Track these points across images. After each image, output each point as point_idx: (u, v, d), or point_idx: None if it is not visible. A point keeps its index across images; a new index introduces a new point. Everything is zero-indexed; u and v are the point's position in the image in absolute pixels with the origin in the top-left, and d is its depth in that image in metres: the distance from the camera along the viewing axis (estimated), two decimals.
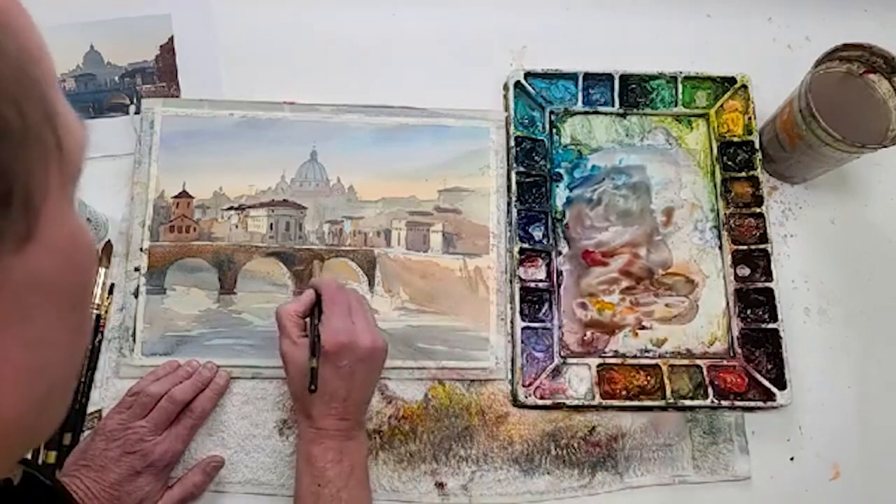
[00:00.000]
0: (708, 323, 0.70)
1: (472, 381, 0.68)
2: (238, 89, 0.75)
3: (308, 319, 0.60)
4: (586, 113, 0.76)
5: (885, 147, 0.65)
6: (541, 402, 0.66)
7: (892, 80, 0.68)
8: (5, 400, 0.23)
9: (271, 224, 0.72)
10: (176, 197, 0.71)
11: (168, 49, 0.76)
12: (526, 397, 0.66)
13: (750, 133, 0.75)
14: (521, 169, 0.73)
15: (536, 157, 0.74)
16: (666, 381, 0.67)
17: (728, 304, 0.71)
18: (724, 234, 0.72)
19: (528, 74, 0.76)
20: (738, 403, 0.67)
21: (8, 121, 0.20)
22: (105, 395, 0.65)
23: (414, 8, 0.80)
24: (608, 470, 0.66)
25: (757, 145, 0.75)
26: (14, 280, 0.22)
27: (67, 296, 0.25)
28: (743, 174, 0.74)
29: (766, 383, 0.67)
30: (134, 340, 0.67)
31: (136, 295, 0.68)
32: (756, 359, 0.69)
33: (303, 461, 0.57)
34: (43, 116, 0.23)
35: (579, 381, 0.67)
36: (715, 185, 0.74)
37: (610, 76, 0.77)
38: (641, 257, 0.72)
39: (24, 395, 0.24)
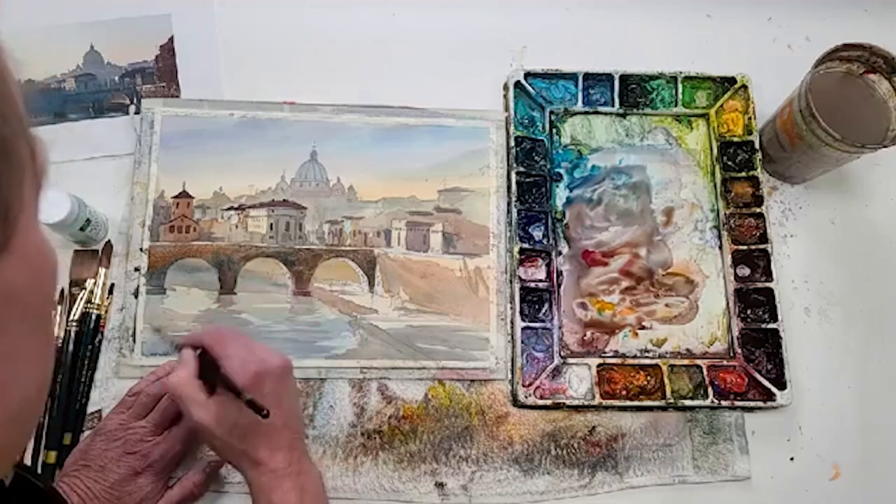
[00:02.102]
0: (708, 323, 0.70)
1: (472, 381, 0.68)
2: (238, 89, 0.75)
3: (205, 379, 0.54)
4: (586, 113, 0.76)
5: (885, 147, 0.65)
6: (541, 402, 0.66)
7: (892, 80, 0.68)
8: None
9: (271, 224, 0.72)
10: (176, 197, 0.71)
11: (168, 49, 0.76)
12: (526, 397, 0.66)
13: (750, 133, 0.75)
14: (521, 169, 0.73)
15: (536, 157, 0.74)
16: (666, 381, 0.67)
17: (728, 304, 0.71)
18: (724, 234, 0.72)
19: (528, 74, 0.76)
20: (738, 403, 0.67)
21: None
22: (105, 395, 0.65)
23: (414, 8, 0.80)
24: (608, 470, 0.66)
25: (757, 145, 0.75)
26: None
27: (37, 307, 0.25)
28: (743, 174, 0.74)
29: (766, 383, 0.67)
30: (134, 340, 0.67)
31: (136, 295, 0.68)
32: (756, 359, 0.69)
33: None
34: (20, 128, 0.23)
35: (579, 381, 0.67)
36: (715, 185, 0.74)
37: (610, 76, 0.77)
38: (641, 257, 0.72)
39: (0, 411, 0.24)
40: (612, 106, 0.76)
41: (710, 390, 0.67)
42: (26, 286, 0.24)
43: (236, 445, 0.52)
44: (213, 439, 0.53)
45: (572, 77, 0.76)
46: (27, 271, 0.24)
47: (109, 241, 0.70)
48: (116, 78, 0.75)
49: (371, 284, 0.71)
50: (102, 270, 0.68)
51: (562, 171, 0.74)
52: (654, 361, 0.68)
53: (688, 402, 0.67)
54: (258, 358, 0.53)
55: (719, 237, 0.73)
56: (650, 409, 0.67)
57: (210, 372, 0.53)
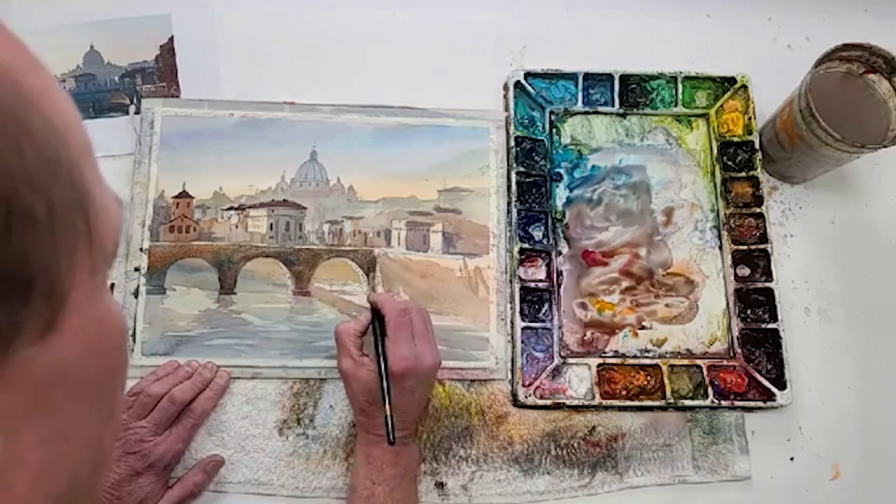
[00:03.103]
0: (708, 323, 0.70)
1: (472, 381, 0.68)
2: (238, 89, 0.75)
3: (367, 338, 0.61)
4: (586, 113, 0.76)
5: (885, 147, 0.65)
6: (541, 402, 0.66)
7: (892, 80, 0.68)
8: (19, 501, 0.21)
9: (271, 224, 0.72)
10: (176, 197, 0.71)
11: (168, 49, 0.76)
12: (526, 397, 0.66)
13: (750, 133, 0.75)
14: (521, 169, 0.73)
15: (536, 157, 0.74)
16: (666, 381, 0.67)
17: (728, 304, 0.71)
18: (724, 234, 0.72)
19: (528, 74, 0.76)
20: (738, 403, 0.67)
21: (32, 209, 0.19)
22: None
23: (414, 8, 0.80)
24: (608, 470, 0.66)
25: (757, 145, 0.75)
26: (34, 372, 0.20)
27: (95, 384, 0.24)
28: (743, 174, 0.74)
29: (766, 383, 0.67)
30: (134, 340, 0.67)
31: (136, 295, 0.68)
32: (756, 359, 0.69)
33: (361, 459, 0.60)
34: (73, 201, 0.21)
35: (579, 381, 0.67)
36: (715, 185, 0.74)
37: (610, 76, 0.77)
38: (641, 257, 0.72)
39: (42, 494, 0.22)
40: (612, 106, 0.76)
41: (710, 390, 0.67)
42: (81, 363, 0.22)
43: (361, 402, 0.59)
44: (349, 388, 0.60)
45: (572, 77, 0.76)
46: (83, 348, 0.22)
47: None
48: (116, 78, 0.75)
49: (371, 284, 0.71)
50: None
51: (562, 171, 0.74)
52: (654, 361, 0.68)
53: (688, 402, 0.67)
54: (416, 354, 0.58)
55: (719, 237, 0.73)
56: (650, 409, 0.67)
57: (374, 338, 0.60)
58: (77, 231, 0.21)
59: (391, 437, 0.55)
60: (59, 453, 0.22)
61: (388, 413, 0.56)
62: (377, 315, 0.61)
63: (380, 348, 0.59)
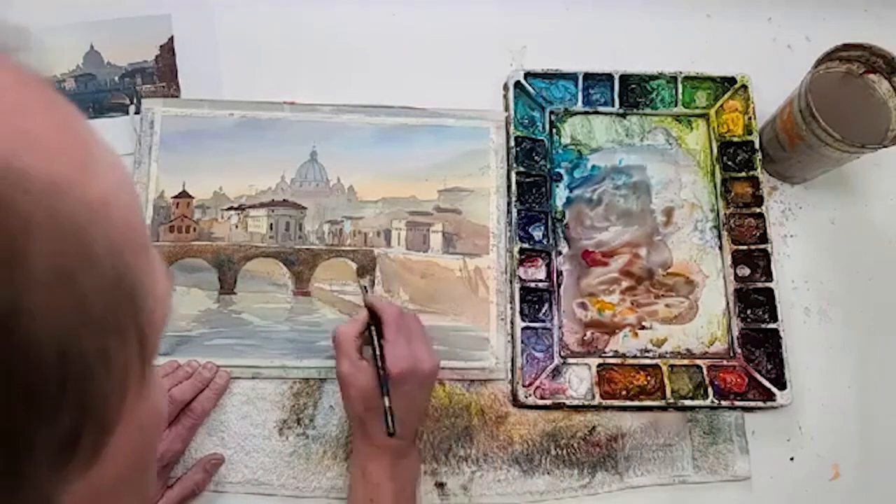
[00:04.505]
0: (708, 323, 0.70)
1: (472, 381, 0.68)
2: (238, 89, 0.75)
3: (367, 341, 0.60)
4: (586, 113, 0.76)
5: (885, 147, 0.65)
6: (541, 402, 0.66)
7: (892, 80, 0.68)
8: None
9: (271, 224, 0.72)
10: (176, 197, 0.71)
11: (168, 49, 0.76)
12: (526, 397, 0.66)
13: (750, 133, 0.75)
14: (521, 169, 0.73)
15: (536, 157, 0.74)
16: (666, 381, 0.67)
17: (728, 304, 0.71)
18: (724, 234, 0.72)
19: (528, 74, 0.76)
20: (738, 403, 0.67)
21: (87, 358, 0.18)
22: None
23: (414, 8, 0.80)
24: (608, 470, 0.66)
25: (757, 145, 0.75)
26: (76, 500, 0.20)
27: (133, 478, 0.23)
28: (743, 174, 0.74)
29: (766, 383, 0.67)
30: None
31: None
32: (756, 359, 0.69)
33: (357, 475, 0.58)
34: (130, 326, 0.20)
35: (579, 381, 0.67)
36: (715, 185, 0.74)
37: (610, 76, 0.77)
38: (641, 257, 0.72)
39: None
40: (612, 106, 0.76)
41: (710, 390, 0.67)
42: (124, 470, 0.22)
43: (359, 409, 0.57)
44: (346, 394, 0.58)
45: (572, 77, 0.76)
46: (127, 457, 0.22)
47: None
48: (116, 78, 0.75)
49: (371, 284, 0.71)
50: None
51: (562, 171, 0.74)
52: (654, 361, 0.68)
53: (688, 402, 0.67)
54: (414, 356, 0.57)
55: (719, 237, 0.73)
56: (650, 409, 0.67)
57: (370, 340, 0.59)
58: (132, 357, 0.20)
59: (391, 427, 0.54)
60: None
61: (388, 405, 0.55)
62: (374, 318, 0.60)
63: (377, 350, 0.58)
